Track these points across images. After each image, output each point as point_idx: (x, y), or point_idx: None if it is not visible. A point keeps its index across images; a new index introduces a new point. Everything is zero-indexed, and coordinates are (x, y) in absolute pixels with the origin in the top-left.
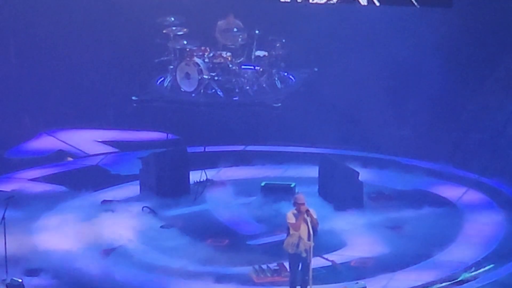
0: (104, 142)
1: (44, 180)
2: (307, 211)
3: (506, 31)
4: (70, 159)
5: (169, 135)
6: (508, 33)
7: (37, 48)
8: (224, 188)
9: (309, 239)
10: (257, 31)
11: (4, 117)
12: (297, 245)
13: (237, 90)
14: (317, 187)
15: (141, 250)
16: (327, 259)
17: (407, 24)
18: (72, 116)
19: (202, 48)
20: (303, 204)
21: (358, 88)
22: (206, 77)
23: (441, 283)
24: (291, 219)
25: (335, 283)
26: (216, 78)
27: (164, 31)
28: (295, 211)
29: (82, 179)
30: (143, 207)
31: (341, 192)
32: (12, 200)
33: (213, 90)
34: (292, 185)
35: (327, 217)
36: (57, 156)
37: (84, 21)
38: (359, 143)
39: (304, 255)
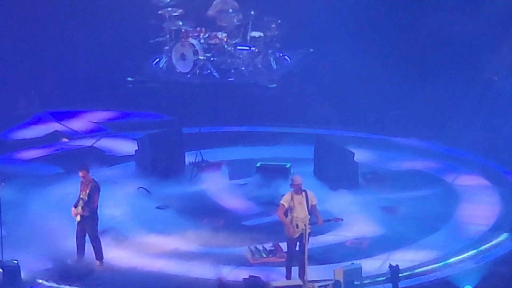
0: (99, 123)
1: (39, 161)
2: (306, 193)
3: None
4: (65, 140)
5: (164, 116)
6: None
7: (32, 29)
8: (219, 169)
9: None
10: (252, 12)
11: (0, 99)
12: (297, 226)
13: (232, 71)
14: (313, 167)
15: (136, 230)
16: (336, 219)
17: (401, 7)
18: (68, 97)
19: (198, 29)
20: (300, 185)
21: (353, 69)
22: (202, 58)
23: (436, 264)
24: (284, 202)
25: (331, 263)
26: (211, 59)
27: (159, 12)
28: (293, 193)
29: (77, 160)
30: (138, 188)
31: (336, 173)
32: (7, 181)
33: (209, 71)
34: (288, 166)
35: (322, 198)
36: (53, 137)
37: (80, 2)
38: (354, 124)
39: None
